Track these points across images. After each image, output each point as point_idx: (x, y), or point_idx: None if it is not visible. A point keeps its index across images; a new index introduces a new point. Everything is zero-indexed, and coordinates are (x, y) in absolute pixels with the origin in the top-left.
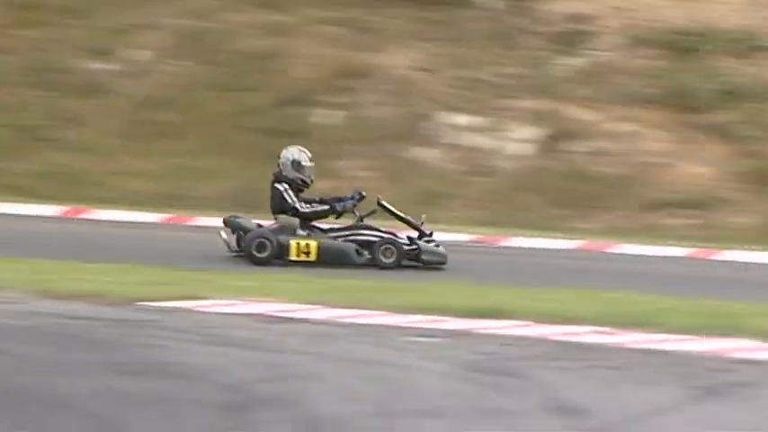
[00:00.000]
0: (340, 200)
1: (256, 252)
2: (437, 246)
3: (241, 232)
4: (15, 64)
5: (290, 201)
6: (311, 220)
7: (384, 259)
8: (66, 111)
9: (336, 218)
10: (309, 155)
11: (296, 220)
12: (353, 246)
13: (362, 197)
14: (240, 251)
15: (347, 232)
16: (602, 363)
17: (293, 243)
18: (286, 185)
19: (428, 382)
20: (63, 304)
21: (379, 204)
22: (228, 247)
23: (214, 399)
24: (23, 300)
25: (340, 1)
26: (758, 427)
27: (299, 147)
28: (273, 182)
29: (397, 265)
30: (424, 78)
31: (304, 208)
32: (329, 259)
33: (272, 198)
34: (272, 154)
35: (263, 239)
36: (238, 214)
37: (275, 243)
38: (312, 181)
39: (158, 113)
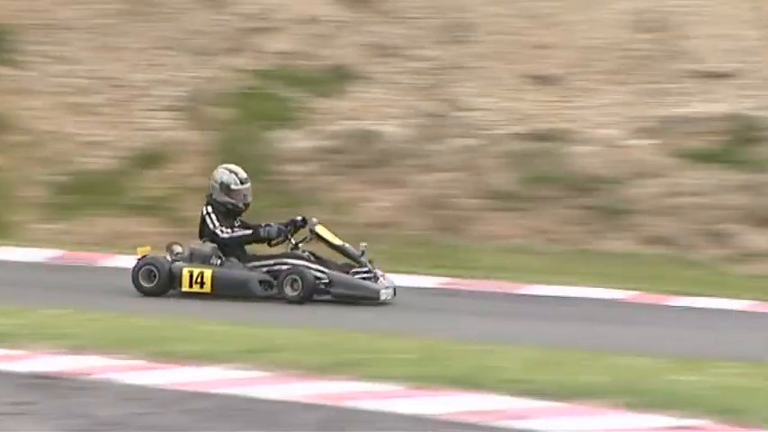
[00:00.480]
0: (268, 225)
1: (144, 282)
2: (373, 278)
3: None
4: None
5: (210, 225)
6: (240, 247)
7: (289, 292)
8: None
9: (269, 245)
10: (243, 175)
11: (209, 248)
12: (257, 276)
13: (299, 223)
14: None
15: (271, 261)
16: None
17: (185, 272)
18: (210, 209)
19: None
20: None
21: (311, 231)
22: None
23: None
24: None
25: None
26: None
27: (230, 167)
28: (204, 204)
29: (306, 299)
30: None
31: (224, 233)
32: (227, 291)
33: (200, 222)
34: None
35: (150, 267)
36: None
37: (165, 272)
38: (247, 205)
39: None
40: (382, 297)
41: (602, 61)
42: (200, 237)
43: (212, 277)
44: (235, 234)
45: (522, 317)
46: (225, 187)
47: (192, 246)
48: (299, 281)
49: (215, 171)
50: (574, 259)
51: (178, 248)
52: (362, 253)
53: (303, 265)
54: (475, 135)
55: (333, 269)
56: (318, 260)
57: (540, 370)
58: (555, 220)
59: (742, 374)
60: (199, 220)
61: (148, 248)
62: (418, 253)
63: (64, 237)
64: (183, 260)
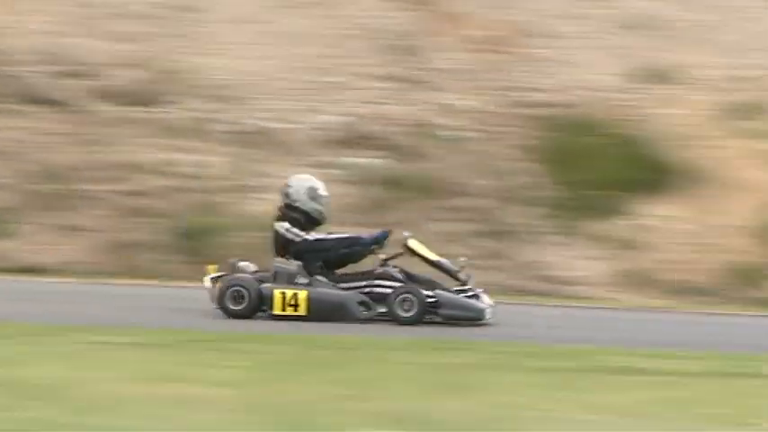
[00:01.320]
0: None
1: (231, 304)
2: (474, 296)
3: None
4: None
5: (297, 238)
6: (323, 265)
7: (402, 313)
8: None
9: (359, 259)
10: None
11: (294, 266)
12: (354, 296)
13: (387, 236)
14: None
15: (364, 281)
16: None
17: (277, 294)
18: (287, 225)
19: None
20: None
21: (406, 246)
22: (212, 299)
23: None
24: None
25: None
26: None
27: (302, 174)
28: (275, 220)
29: (418, 321)
30: None
31: (320, 240)
32: (322, 314)
33: (275, 240)
34: None
35: (238, 288)
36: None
37: (255, 293)
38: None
39: None
40: (487, 317)
41: None
42: (280, 254)
43: (307, 299)
44: (335, 236)
45: None
46: (312, 192)
47: (277, 264)
48: (413, 301)
49: (291, 179)
50: None
51: (250, 265)
52: (461, 268)
53: (415, 286)
54: None
55: (438, 288)
56: (410, 277)
57: None
58: None
59: None
60: (273, 240)
61: (215, 266)
62: None
63: None
64: (266, 280)
